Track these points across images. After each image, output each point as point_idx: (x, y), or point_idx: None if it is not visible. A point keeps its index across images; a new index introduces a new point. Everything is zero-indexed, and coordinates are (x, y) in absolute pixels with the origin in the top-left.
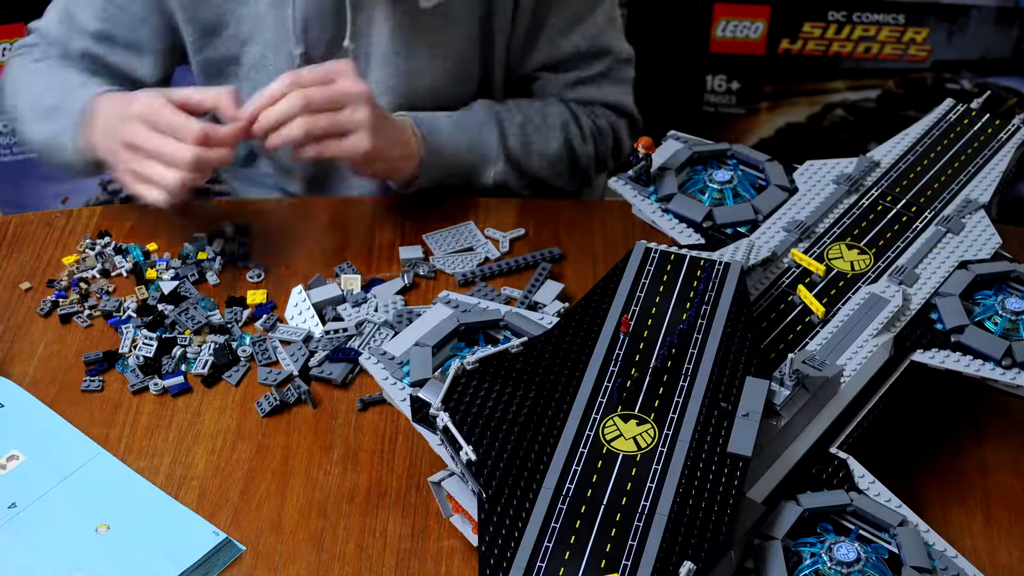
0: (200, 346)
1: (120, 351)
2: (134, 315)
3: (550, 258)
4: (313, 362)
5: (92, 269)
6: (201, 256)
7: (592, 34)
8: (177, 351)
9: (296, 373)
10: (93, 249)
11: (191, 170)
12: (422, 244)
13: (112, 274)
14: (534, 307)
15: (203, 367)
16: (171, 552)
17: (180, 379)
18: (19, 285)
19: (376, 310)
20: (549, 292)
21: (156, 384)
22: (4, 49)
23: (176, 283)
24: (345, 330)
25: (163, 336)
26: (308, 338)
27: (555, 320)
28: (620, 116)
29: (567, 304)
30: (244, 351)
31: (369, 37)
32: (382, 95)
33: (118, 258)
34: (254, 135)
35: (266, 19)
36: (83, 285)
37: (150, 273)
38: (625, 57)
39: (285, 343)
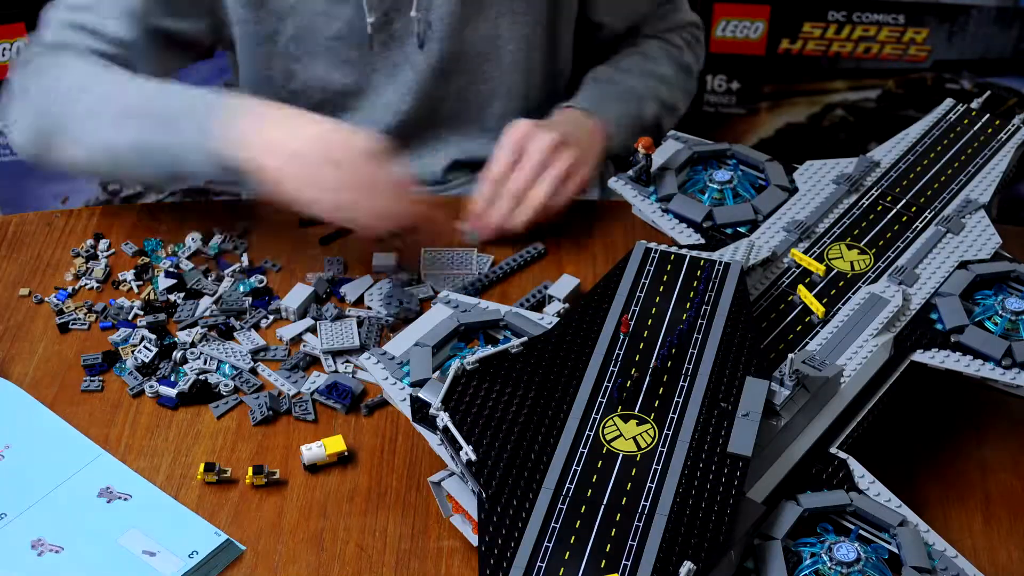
0: (201, 349)
1: (118, 345)
2: (140, 312)
3: (535, 254)
4: (307, 387)
5: (99, 281)
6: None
7: None
8: (177, 354)
9: (290, 395)
10: (86, 259)
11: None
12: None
13: (115, 279)
14: (545, 301)
15: (187, 385)
16: (171, 552)
17: (173, 391)
18: (19, 290)
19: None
20: (564, 287)
21: (151, 387)
22: (4, 49)
23: (172, 281)
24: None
25: (163, 344)
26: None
27: (555, 320)
28: (694, 27)
29: (567, 304)
30: (226, 386)
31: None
32: (450, 68)
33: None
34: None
35: None
36: (83, 290)
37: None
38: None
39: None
